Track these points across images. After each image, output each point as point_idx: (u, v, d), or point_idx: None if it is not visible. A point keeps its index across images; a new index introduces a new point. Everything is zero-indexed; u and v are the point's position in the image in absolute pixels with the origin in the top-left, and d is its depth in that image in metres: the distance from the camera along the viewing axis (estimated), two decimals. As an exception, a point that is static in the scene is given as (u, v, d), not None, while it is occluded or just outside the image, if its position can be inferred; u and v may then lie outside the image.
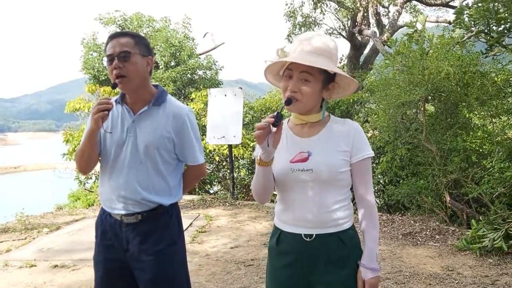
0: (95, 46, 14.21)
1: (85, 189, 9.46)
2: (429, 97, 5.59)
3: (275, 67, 1.63)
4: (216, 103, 7.41)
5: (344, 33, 12.09)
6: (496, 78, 5.13)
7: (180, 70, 13.73)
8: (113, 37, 1.91)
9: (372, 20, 11.81)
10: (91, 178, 8.95)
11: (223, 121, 7.22)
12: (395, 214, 6.06)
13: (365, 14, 11.38)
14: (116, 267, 1.96)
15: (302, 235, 1.57)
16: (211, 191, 9.47)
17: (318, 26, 11.83)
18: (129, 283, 1.97)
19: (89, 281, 3.76)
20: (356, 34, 11.46)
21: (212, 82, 14.51)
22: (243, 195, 8.96)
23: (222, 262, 4.29)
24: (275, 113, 1.43)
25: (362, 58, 12.12)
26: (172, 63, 14.25)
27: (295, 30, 11.59)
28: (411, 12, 13.46)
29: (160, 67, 13.82)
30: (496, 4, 4.23)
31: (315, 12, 11.57)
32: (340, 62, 11.79)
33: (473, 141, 5.17)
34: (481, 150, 5.22)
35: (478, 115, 5.55)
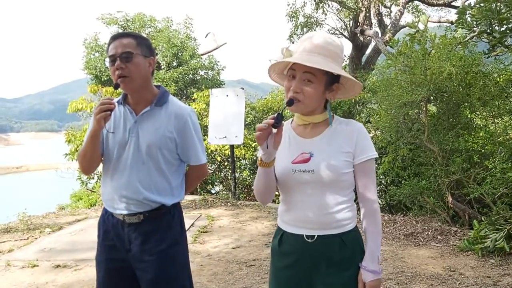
0: (97, 46, 14.24)
1: (87, 189, 9.49)
2: (431, 98, 5.58)
3: (280, 66, 1.62)
4: (218, 103, 7.42)
5: (346, 34, 12.08)
6: (498, 79, 5.12)
7: (182, 70, 13.75)
8: (115, 38, 1.92)
9: (374, 20, 11.80)
10: (93, 178, 8.96)
11: (225, 122, 7.22)
12: (397, 215, 6.05)
13: (367, 14, 11.37)
14: (118, 267, 1.97)
15: (304, 236, 1.57)
16: (213, 191, 9.48)
17: (320, 27, 11.82)
18: (131, 283, 1.97)
19: (91, 281, 3.76)
20: (358, 35, 11.46)
21: (214, 82, 14.52)
22: (244, 195, 8.96)
23: (224, 262, 4.30)
24: (276, 114, 1.42)
25: (364, 59, 12.12)
26: (174, 64, 14.27)
27: (297, 30, 11.59)
28: (413, 12, 13.45)
29: (162, 67, 13.83)
30: (499, 4, 4.22)
31: (317, 12, 11.57)
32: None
33: (475, 141, 5.16)
34: (483, 150, 5.20)
35: (480, 116, 5.54)
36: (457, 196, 5.46)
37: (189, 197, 7.65)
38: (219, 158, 9.07)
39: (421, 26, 5.55)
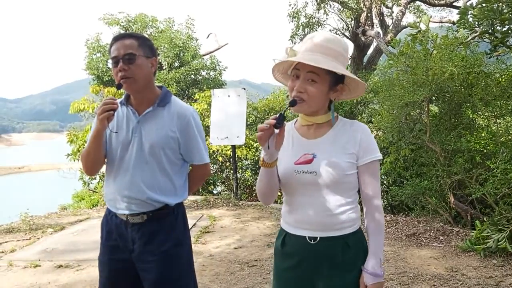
0: (99, 47, 14.28)
1: (89, 190, 9.51)
2: (433, 98, 5.58)
3: (284, 66, 1.60)
4: (220, 103, 7.42)
5: (347, 34, 12.07)
6: (500, 79, 5.11)
7: (184, 70, 13.77)
8: (117, 39, 1.92)
9: (375, 21, 11.79)
10: (95, 178, 8.98)
11: (226, 122, 7.23)
12: (399, 215, 6.04)
13: (369, 14, 11.36)
14: (121, 267, 1.97)
15: (307, 237, 1.55)
16: (215, 192, 9.49)
17: (322, 27, 11.82)
18: (134, 283, 1.97)
19: (93, 281, 3.77)
20: (360, 35, 11.44)
21: (215, 82, 14.55)
22: (246, 195, 8.97)
23: (226, 263, 4.30)
24: (278, 115, 1.41)
25: (365, 59, 12.10)
26: (176, 64, 14.30)
27: (298, 30, 11.58)
28: (414, 13, 13.43)
29: (164, 67, 13.86)
30: (500, 4, 4.22)
31: (318, 12, 11.55)
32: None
33: (477, 141, 5.15)
34: (485, 150, 5.19)
35: (482, 116, 5.53)
36: (459, 196, 5.45)
37: (191, 198, 7.66)
38: (220, 159, 9.08)
39: (422, 27, 5.55)
